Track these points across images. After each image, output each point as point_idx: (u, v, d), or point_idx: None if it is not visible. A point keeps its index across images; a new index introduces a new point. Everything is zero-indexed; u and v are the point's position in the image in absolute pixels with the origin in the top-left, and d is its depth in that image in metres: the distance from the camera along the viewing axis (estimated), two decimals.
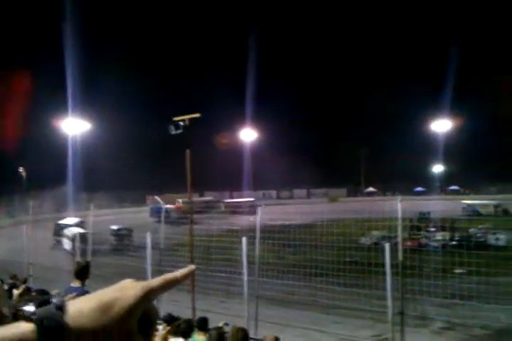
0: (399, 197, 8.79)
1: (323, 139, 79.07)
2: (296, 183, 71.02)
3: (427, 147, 71.66)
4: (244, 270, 9.50)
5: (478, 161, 69.79)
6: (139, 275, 11.10)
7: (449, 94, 66.46)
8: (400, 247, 8.33)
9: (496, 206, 35.53)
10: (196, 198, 61.63)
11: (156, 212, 33.29)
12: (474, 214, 33.91)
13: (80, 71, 56.22)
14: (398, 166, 70.19)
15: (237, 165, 62.91)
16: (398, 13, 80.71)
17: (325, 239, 11.19)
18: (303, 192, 74.74)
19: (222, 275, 10.91)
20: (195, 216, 14.20)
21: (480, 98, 71.48)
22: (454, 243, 18.65)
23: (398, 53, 79.86)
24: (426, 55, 78.50)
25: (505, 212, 33.35)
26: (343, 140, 79.43)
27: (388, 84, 78.31)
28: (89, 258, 13.05)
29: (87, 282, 5.74)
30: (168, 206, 38.33)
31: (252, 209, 53.90)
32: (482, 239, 21.09)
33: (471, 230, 22.58)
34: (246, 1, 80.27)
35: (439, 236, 21.42)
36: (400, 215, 8.65)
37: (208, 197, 61.36)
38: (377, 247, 10.94)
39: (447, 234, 21.49)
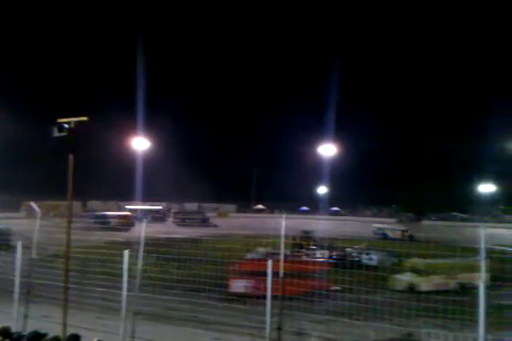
0: (283, 215, 9.03)
1: (217, 155, 79.93)
2: (187, 197, 70.44)
3: (313, 169, 75.46)
4: (124, 284, 9.04)
5: (357, 185, 75.33)
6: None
7: (333, 120, 70.32)
8: (281, 263, 8.55)
9: (403, 231, 38.65)
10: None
11: (99, 218, 34.01)
12: (382, 237, 36.77)
13: None
14: (286, 186, 72.93)
15: (127, 174, 60.64)
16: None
17: (211, 255, 11.12)
18: (194, 205, 74.28)
19: (99, 289, 10.31)
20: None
21: (361, 124, 77.12)
22: (331, 261, 19.53)
23: (285, 81, 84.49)
24: (311, 85, 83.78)
25: (411, 237, 35.43)
26: (237, 157, 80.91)
27: (280, 110, 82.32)
28: None
29: None
30: (109, 213, 36.06)
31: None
32: (357, 259, 22.39)
33: (348, 250, 23.88)
34: None
35: (318, 254, 22.46)
36: (283, 232, 8.89)
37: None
38: None
39: (326, 253, 22.57)
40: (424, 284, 17.89)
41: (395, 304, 9.11)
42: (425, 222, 77.67)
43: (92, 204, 65.24)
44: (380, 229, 40.76)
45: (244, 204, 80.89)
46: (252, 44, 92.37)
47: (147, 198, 61.26)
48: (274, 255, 10.83)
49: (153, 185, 59.28)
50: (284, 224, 9.02)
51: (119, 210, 52.46)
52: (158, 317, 10.57)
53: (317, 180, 79.10)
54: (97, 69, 72.71)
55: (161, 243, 11.25)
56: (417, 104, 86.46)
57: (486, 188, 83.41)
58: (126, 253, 9.09)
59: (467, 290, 16.30)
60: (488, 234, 6.82)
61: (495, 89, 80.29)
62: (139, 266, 9.36)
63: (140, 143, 62.73)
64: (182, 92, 78.63)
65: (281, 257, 8.82)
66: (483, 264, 6.37)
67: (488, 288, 5.86)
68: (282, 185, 73.19)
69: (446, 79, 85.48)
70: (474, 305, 6.18)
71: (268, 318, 7.74)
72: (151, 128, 64.24)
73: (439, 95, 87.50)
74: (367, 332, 8.96)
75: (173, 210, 62.95)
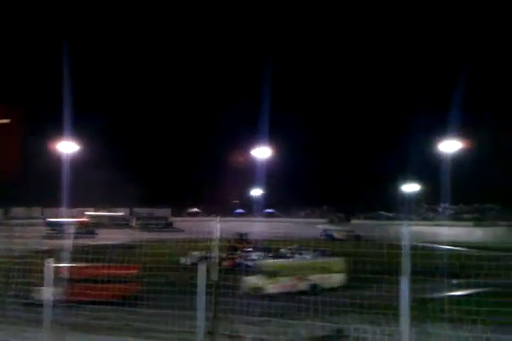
0: (217, 218, 9.00)
1: (148, 157, 78.24)
2: (117, 201, 68.22)
3: (248, 172, 75.96)
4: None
5: (290, 187, 76.85)
6: None
7: (267, 122, 71.12)
8: (216, 267, 8.51)
9: (348, 231, 40.12)
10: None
11: (54, 225, 34.06)
12: (329, 238, 37.70)
13: None
14: (223, 188, 72.91)
15: (52, 179, 57.72)
16: None
17: (144, 260, 10.86)
18: (125, 211, 72.14)
19: (23, 301, 9.74)
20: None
21: (291, 125, 78.65)
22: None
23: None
24: (244, 87, 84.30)
25: (357, 236, 36.29)
26: (170, 160, 79.74)
27: (213, 112, 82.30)
28: None
29: None
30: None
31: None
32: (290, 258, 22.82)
33: (282, 250, 24.31)
34: None
35: (254, 255, 22.65)
36: (218, 235, 8.86)
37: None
38: (196, 268, 10.99)
39: (262, 254, 22.81)
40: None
41: (324, 302, 9.35)
42: (354, 222, 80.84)
43: (16, 211, 61.73)
44: (326, 230, 41.99)
45: (179, 208, 79.78)
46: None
47: (74, 204, 58.71)
48: (208, 259, 10.78)
49: (79, 190, 56.77)
50: (218, 227, 8.99)
51: (47, 217, 49.66)
52: (88, 328, 10.15)
53: (251, 183, 79.70)
54: (21, 67, 68.90)
55: (89, 250, 10.81)
56: (345, 106, 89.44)
57: (411, 188, 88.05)
58: (49, 261, 8.64)
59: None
60: (412, 231, 7.15)
61: (415, 90, 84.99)
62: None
63: (67, 147, 60.00)
64: (112, 93, 76.29)
65: (216, 260, 8.79)
66: (406, 260, 6.67)
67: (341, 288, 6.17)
68: (217, 188, 73.03)
69: (368, 78, 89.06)
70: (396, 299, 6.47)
71: (201, 322, 7.67)
72: (80, 131, 61.65)
73: (364, 95, 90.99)
74: (299, 331, 9.14)
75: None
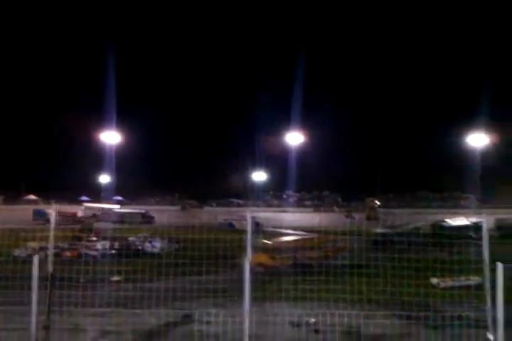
0: (54, 206, 8.39)
1: None
2: None
3: (95, 158, 72.25)
4: None
5: (141, 174, 75.14)
6: None
7: (114, 107, 68.25)
8: (50, 258, 7.99)
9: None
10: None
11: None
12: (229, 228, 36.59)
13: None
14: (65, 175, 68.07)
15: None
16: None
17: None
18: None
19: None
20: None
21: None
22: (113, 251, 19.06)
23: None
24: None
25: (257, 224, 35.99)
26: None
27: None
28: None
29: None
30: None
31: None
32: (140, 247, 22.31)
33: (131, 238, 23.65)
34: None
35: (99, 245, 21.62)
36: (53, 225, 8.29)
37: None
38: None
39: (107, 243, 21.88)
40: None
41: (170, 289, 9.38)
42: (207, 208, 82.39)
43: None
44: (226, 220, 41.38)
45: (12, 194, 72.60)
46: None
47: None
48: (45, 249, 9.99)
49: None
50: (54, 215, 8.44)
51: None
52: None
53: (99, 169, 75.95)
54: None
55: None
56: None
57: (259, 176, 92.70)
58: None
59: None
60: (260, 217, 7.52)
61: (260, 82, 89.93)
62: None
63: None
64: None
65: (52, 251, 8.22)
66: (248, 244, 7.00)
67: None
68: (60, 174, 68.07)
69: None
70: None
71: (34, 318, 7.14)
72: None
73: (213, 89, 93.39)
74: (147, 320, 9.07)
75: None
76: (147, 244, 22.82)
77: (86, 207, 48.73)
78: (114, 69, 67.03)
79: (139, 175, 74.47)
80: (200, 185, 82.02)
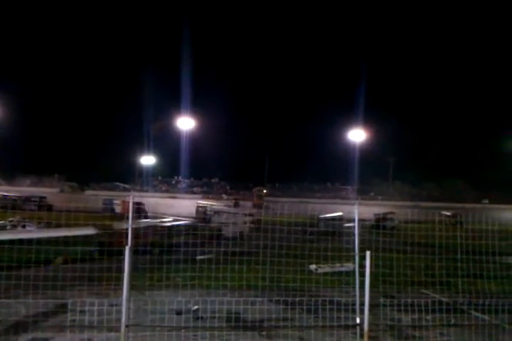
0: None
1: None
2: None
3: None
4: None
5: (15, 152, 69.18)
6: None
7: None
8: None
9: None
10: None
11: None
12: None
13: None
14: None
15: None
16: None
17: None
18: None
19: None
20: None
21: None
22: None
23: None
24: None
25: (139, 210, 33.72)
26: None
27: None
28: None
29: None
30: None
31: None
32: None
33: (1, 222, 22.04)
34: None
35: None
36: None
37: None
38: None
39: None
40: None
41: (49, 277, 8.78)
42: (88, 192, 78.29)
43: None
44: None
45: None
46: None
47: None
48: None
49: None
50: None
51: None
52: None
53: None
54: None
55: None
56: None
57: (147, 160, 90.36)
58: None
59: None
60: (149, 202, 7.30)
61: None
62: None
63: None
64: None
65: None
66: (131, 233, 6.77)
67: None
68: None
69: None
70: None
71: None
72: None
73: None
74: (17, 310, 8.41)
75: None
76: (20, 228, 21.30)
77: None
78: None
79: (14, 154, 68.43)
80: (84, 167, 77.72)
